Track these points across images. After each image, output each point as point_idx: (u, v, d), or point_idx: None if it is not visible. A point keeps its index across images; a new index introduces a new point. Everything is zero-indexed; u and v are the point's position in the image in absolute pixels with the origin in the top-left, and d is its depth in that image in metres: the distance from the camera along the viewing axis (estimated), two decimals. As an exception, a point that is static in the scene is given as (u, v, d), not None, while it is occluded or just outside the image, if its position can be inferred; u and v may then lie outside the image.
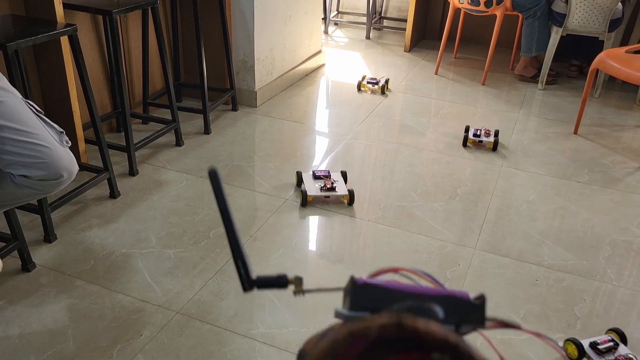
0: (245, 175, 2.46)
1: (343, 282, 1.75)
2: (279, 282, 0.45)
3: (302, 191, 2.25)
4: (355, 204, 2.29)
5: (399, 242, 2.05)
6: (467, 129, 2.80)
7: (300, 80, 3.54)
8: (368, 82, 3.42)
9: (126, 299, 1.72)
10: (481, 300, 0.38)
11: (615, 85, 3.60)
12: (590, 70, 2.83)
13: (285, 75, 3.35)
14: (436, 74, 3.73)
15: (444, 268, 1.92)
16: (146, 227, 2.06)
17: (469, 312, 0.37)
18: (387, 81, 3.40)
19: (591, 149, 2.82)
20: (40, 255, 1.89)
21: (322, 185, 2.29)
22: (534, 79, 3.63)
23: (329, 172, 2.38)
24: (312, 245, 2.06)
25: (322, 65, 3.82)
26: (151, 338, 1.58)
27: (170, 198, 2.25)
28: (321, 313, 1.72)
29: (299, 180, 2.36)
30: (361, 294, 0.35)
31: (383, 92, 3.37)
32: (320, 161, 2.62)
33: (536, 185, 2.49)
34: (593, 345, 1.55)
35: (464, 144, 2.79)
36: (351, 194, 2.26)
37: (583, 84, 2.92)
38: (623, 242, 2.12)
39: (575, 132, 2.95)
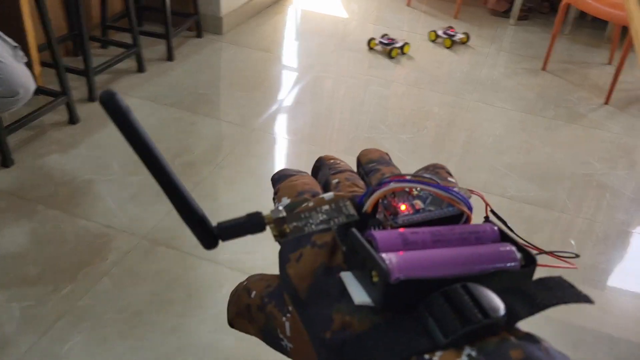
0: (211, 104, 2.39)
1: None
2: (251, 224, 0.29)
3: None
4: (323, 135, 2.27)
5: (367, 172, 2.05)
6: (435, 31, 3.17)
7: (269, 7, 3.41)
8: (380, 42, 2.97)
9: (90, 224, 1.69)
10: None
11: (585, 22, 3.60)
12: (561, 5, 2.80)
13: (253, 2, 3.22)
14: (408, 5, 3.65)
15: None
16: (108, 154, 2.00)
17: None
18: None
19: (558, 85, 2.84)
20: (-3, 180, 1.83)
21: None
22: (506, 14, 3.59)
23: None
24: (280, 175, 2.05)
25: (291, -6, 3.68)
26: (117, 262, 1.57)
27: (133, 125, 2.19)
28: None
29: None
30: (395, 295, 0.24)
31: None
32: (288, 92, 2.57)
33: (503, 120, 2.50)
34: None
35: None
36: None
37: (554, 20, 2.90)
38: (583, 176, 2.17)
39: (544, 69, 2.96)
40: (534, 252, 0.29)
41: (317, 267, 0.27)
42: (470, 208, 0.28)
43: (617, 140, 2.42)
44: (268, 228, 0.29)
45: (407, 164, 2.12)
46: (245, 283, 0.31)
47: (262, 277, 0.31)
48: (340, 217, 0.28)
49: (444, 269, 0.25)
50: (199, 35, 2.91)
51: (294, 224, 0.29)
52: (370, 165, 0.35)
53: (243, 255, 1.62)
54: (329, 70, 2.79)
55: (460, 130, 2.39)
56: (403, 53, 2.96)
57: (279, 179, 0.34)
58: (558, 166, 2.22)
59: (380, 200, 0.28)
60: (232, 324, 0.31)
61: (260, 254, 1.61)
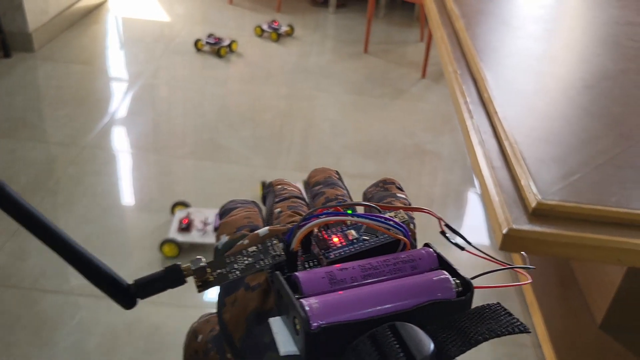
0: (32, 127, 2.21)
1: (164, 226, 1.69)
2: (169, 279, 0.26)
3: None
4: (163, 142, 2.21)
5: (212, 174, 2.04)
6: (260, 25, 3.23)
7: (84, 18, 3.22)
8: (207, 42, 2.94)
9: None
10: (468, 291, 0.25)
11: (396, 5, 3.89)
12: (372, -10, 3.00)
13: (65, 13, 3.02)
14: (230, 3, 3.67)
15: (257, 192, 1.98)
16: None
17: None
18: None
19: (380, 65, 3.05)
20: None
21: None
22: (325, 3, 3.76)
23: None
24: (121, 191, 1.96)
25: (106, 0, 3.51)
26: (-58, 317, 1.40)
27: (-58, 162, 1.95)
28: (140, 252, 1.67)
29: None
30: (318, 343, 0.22)
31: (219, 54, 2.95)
32: (119, 104, 2.46)
33: (336, 104, 2.63)
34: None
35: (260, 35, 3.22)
36: None
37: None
38: (413, 145, 2.37)
39: (366, 51, 3.16)
40: (500, 266, 0.28)
41: (250, 312, 0.25)
42: (406, 233, 0.27)
43: (437, 110, 2.67)
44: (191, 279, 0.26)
45: (251, 159, 2.15)
46: (195, 324, 0.30)
47: (208, 319, 0.30)
48: (266, 258, 0.26)
49: (372, 308, 0.23)
50: (7, 55, 2.67)
51: (218, 271, 0.26)
52: (316, 188, 0.34)
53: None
54: (159, 77, 2.72)
55: (297, 119, 2.47)
56: (232, 51, 2.97)
57: (223, 214, 0.33)
58: (389, 140, 2.39)
59: (312, 234, 0.27)
60: None
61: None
